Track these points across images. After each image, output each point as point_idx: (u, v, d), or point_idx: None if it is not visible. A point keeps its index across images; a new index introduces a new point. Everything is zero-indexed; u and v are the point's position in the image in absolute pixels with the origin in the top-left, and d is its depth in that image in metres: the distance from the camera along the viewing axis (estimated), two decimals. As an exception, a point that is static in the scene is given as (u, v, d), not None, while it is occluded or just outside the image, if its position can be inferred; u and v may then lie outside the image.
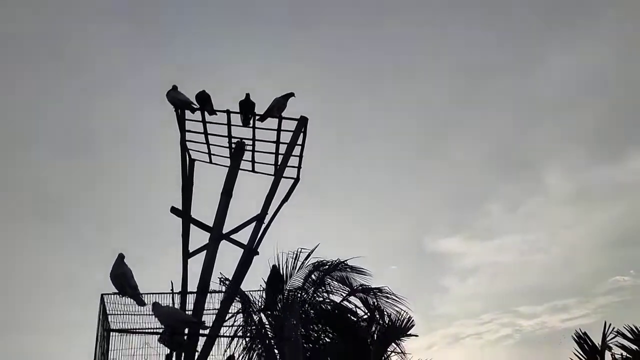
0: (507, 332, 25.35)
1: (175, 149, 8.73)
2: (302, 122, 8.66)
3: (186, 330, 7.57)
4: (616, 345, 9.90)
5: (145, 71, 21.83)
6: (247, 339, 10.54)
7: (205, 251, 8.32)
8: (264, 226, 8.45)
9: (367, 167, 23.81)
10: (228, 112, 8.74)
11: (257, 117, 8.75)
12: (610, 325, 9.94)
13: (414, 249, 25.47)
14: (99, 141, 21.13)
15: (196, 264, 8.30)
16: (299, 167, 8.92)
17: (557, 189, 24.65)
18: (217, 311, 7.94)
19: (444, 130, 24.45)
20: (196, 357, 7.56)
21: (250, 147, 9.06)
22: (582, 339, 10.12)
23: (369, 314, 11.29)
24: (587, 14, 22.95)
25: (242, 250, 8.34)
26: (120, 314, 7.62)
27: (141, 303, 7.60)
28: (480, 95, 23.93)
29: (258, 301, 10.74)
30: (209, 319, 7.84)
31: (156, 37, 22.69)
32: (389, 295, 11.24)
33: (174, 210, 8.47)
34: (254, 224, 8.45)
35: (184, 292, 8.08)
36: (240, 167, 9.02)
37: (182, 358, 7.54)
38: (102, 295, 7.60)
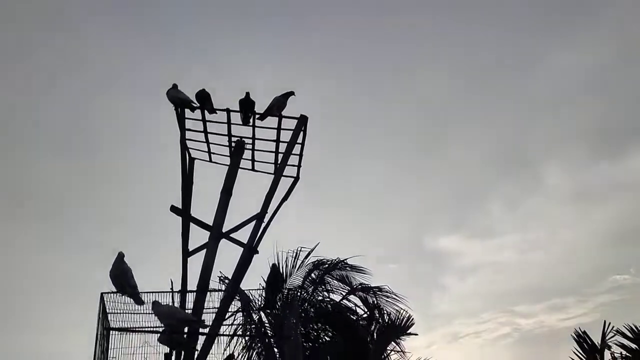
0: (506, 331, 25.37)
1: (175, 148, 8.76)
2: (302, 120, 8.67)
3: (186, 329, 7.58)
4: (616, 344, 9.88)
5: (145, 71, 21.82)
6: (246, 338, 10.52)
7: (205, 250, 8.34)
8: (263, 225, 8.45)
9: (367, 167, 23.79)
10: (228, 111, 8.75)
11: (257, 116, 8.78)
12: (609, 324, 9.94)
13: (414, 248, 25.47)
14: (99, 141, 21.12)
15: (196, 263, 8.34)
16: (298, 166, 8.94)
17: (557, 187, 24.65)
18: (216, 310, 7.91)
19: (444, 130, 24.40)
20: (196, 355, 7.57)
21: (250, 146, 9.08)
22: (581, 338, 10.09)
23: (368, 312, 11.28)
24: (587, 13, 22.91)
25: (242, 249, 8.35)
26: (120, 313, 7.60)
27: (140, 302, 7.59)
28: (480, 94, 23.91)
29: (258, 300, 10.73)
30: (208, 317, 7.83)
31: (156, 37, 22.66)
32: (388, 294, 11.22)
33: (173, 209, 8.48)
34: (253, 222, 8.45)
35: (183, 291, 8.08)
36: (240, 166, 9.03)
37: (182, 357, 7.55)
38: (101, 294, 7.59)
